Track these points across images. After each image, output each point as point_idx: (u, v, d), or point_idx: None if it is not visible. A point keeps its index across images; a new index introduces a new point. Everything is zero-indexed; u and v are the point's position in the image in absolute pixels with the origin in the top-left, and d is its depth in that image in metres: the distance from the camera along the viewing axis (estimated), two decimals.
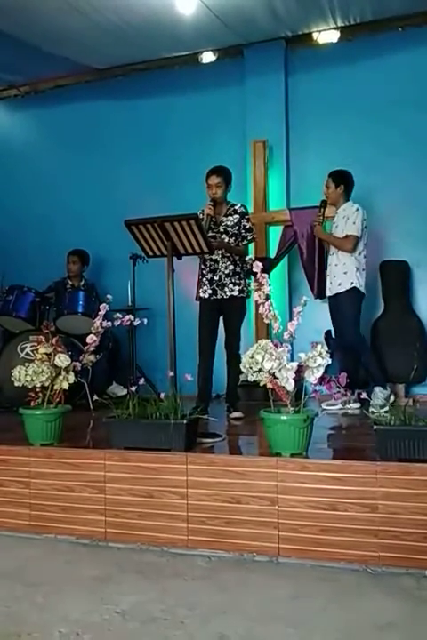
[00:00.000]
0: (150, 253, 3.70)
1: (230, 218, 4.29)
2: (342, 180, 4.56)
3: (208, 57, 5.88)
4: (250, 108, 5.67)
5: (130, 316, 3.43)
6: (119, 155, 6.15)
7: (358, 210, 4.45)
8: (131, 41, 5.41)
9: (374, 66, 5.42)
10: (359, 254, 4.49)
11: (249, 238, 4.35)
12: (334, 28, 5.46)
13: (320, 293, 5.24)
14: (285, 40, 5.63)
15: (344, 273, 4.46)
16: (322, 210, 4.64)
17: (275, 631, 2.06)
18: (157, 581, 2.49)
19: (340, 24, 5.39)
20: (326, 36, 5.53)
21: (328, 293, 4.63)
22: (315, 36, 5.56)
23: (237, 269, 4.26)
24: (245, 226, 4.31)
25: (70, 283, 5.71)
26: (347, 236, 4.44)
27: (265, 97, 5.62)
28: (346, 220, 4.47)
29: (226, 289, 4.22)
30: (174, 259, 3.58)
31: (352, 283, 4.43)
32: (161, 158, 5.97)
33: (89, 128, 6.32)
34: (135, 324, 3.47)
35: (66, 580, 2.53)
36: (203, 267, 4.35)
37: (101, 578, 2.53)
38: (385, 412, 2.85)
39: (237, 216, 4.29)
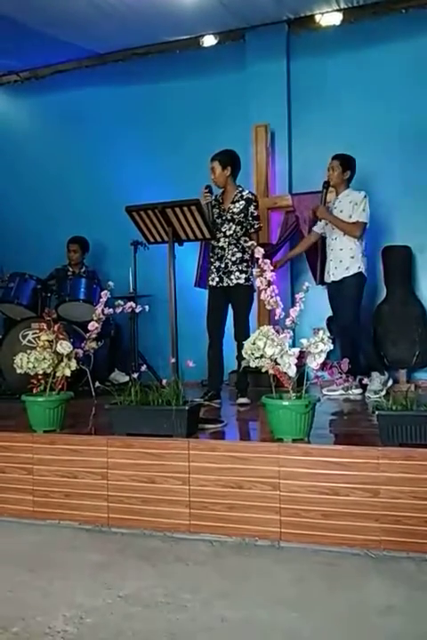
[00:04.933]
0: (152, 240, 3.69)
1: (237, 204, 4.22)
2: (349, 165, 4.55)
3: (209, 41, 5.81)
4: (252, 92, 5.61)
5: (131, 303, 3.43)
6: (120, 140, 6.10)
7: (365, 196, 4.45)
8: (131, 24, 5.36)
9: (377, 48, 5.35)
10: (363, 241, 4.51)
11: (256, 226, 4.25)
12: (337, 10, 5.39)
13: (322, 279, 5.23)
14: (287, 23, 5.56)
15: (351, 257, 4.45)
16: (325, 191, 4.60)
17: (277, 615, 2.08)
18: (159, 566, 2.50)
19: (342, 6, 5.33)
20: (329, 18, 5.45)
21: (332, 278, 4.57)
22: (317, 18, 5.49)
23: (245, 257, 4.21)
24: (252, 213, 4.21)
25: (71, 270, 5.70)
26: (357, 222, 4.43)
27: (267, 81, 5.57)
28: (354, 205, 4.45)
29: (232, 276, 4.19)
30: (175, 245, 3.56)
31: (359, 267, 4.45)
32: (162, 143, 5.93)
33: (90, 114, 6.27)
34: (137, 310, 3.48)
35: (69, 566, 2.55)
36: (211, 254, 4.33)
37: (104, 563, 2.55)
38: (381, 397, 2.85)
39: (244, 202, 4.22)
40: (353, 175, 4.59)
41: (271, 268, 3.04)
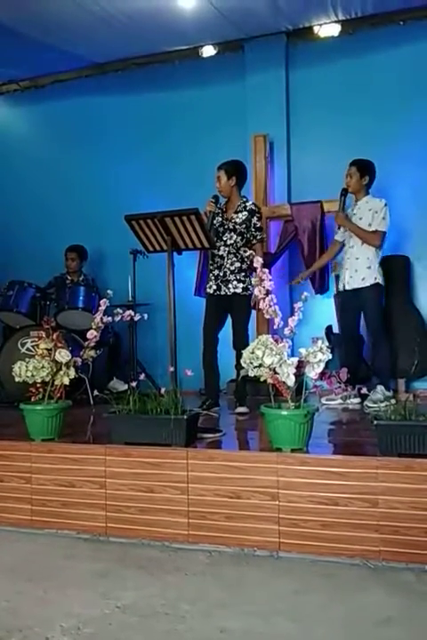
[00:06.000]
0: (150, 248, 3.69)
1: (239, 214, 4.25)
2: (367, 170, 4.46)
3: (208, 51, 5.85)
4: (250, 103, 5.64)
5: (130, 312, 3.43)
6: (119, 149, 6.13)
7: (386, 204, 4.38)
8: (131, 34, 5.39)
9: (375, 60, 5.39)
10: (380, 250, 4.45)
11: (259, 237, 4.26)
12: (335, 22, 5.43)
13: (321, 289, 5.25)
14: (285, 34, 5.60)
15: (368, 268, 4.38)
16: (343, 198, 4.52)
17: (275, 625, 2.07)
18: (157, 576, 2.49)
19: (341, 17, 5.36)
20: (327, 29, 5.49)
21: (347, 287, 4.47)
22: (316, 29, 5.53)
23: (243, 267, 4.23)
24: (255, 224, 4.24)
25: (70, 278, 5.71)
26: (376, 231, 4.37)
27: (266, 91, 5.60)
28: (374, 214, 4.38)
29: (230, 285, 4.21)
30: (175, 254, 3.57)
31: (376, 278, 4.38)
32: (161, 153, 5.95)
33: (89, 123, 6.30)
34: (136, 319, 3.47)
35: (67, 575, 2.54)
36: (210, 262, 4.36)
37: (102, 572, 2.54)
38: (379, 407, 2.86)
39: (247, 213, 4.24)
40: (373, 181, 4.50)
41: (270, 276, 3.04)
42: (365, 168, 4.47)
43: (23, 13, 4.94)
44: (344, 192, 4.52)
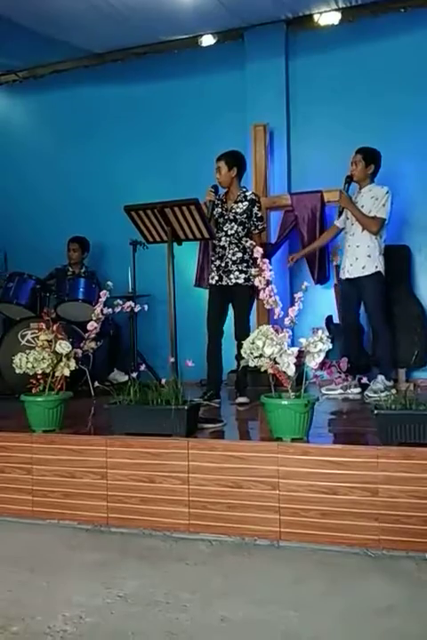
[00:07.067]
0: (150, 239, 3.69)
1: (240, 205, 4.25)
2: (373, 159, 4.42)
3: (208, 40, 5.80)
4: (250, 92, 5.61)
5: (130, 303, 3.43)
6: (119, 140, 6.11)
7: (388, 192, 4.34)
8: (129, 24, 5.35)
9: (376, 48, 5.35)
10: (381, 238, 4.42)
11: (260, 227, 4.29)
12: (336, 10, 5.38)
13: (321, 279, 5.24)
14: (285, 22, 5.56)
15: (368, 256, 4.35)
16: (347, 186, 4.48)
17: (276, 614, 2.08)
18: (159, 566, 2.51)
19: (341, 5, 5.32)
20: (328, 17, 5.44)
21: (347, 275, 4.45)
22: (316, 17, 5.48)
23: (245, 257, 4.23)
24: (256, 214, 4.25)
25: (71, 270, 5.70)
26: (375, 217, 4.34)
27: (266, 80, 5.57)
28: (375, 200, 4.35)
29: (231, 276, 4.21)
30: (175, 244, 3.57)
31: (376, 267, 4.35)
32: (161, 143, 5.93)
33: (88, 113, 6.27)
34: (136, 310, 3.48)
35: (69, 565, 2.55)
36: (212, 253, 4.38)
37: (104, 562, 2.55)
38: (380, 397, 2.86)
39: (247, 203, 4.24)
40: (378, 169, 4.45)
41: (271, 267, 3.04)
42: (371, 156, 4.42)
43: (21, 3, 4.91)
44: (349, 179, 4.48)
